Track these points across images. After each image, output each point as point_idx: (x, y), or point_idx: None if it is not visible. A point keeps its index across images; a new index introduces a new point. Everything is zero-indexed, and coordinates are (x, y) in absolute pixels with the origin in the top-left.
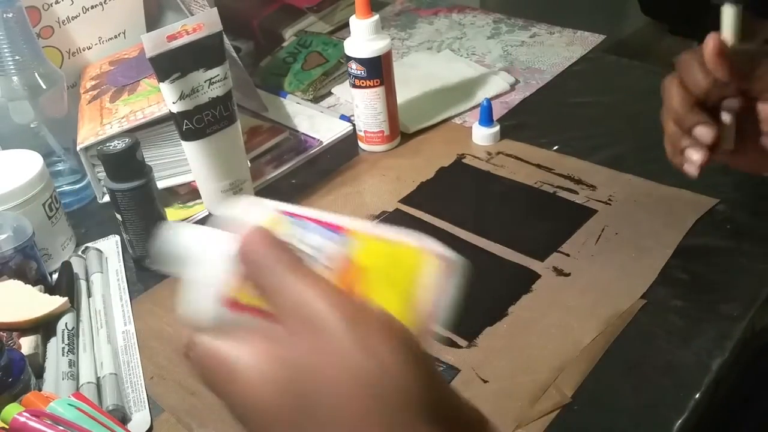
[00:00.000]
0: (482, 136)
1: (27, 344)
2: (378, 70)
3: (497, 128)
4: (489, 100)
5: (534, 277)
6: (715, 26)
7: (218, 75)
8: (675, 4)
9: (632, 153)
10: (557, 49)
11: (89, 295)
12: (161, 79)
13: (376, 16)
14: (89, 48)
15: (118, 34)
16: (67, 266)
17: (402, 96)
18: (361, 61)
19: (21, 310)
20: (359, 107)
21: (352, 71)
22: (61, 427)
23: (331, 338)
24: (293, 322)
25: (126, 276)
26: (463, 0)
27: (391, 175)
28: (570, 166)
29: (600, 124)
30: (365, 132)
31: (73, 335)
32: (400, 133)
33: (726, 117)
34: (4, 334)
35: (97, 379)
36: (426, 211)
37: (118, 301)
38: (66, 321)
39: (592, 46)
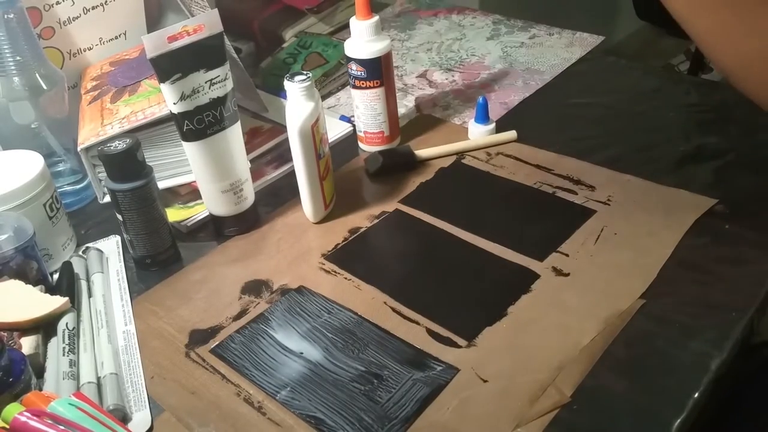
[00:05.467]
0: (478, 133)
1: (28, 344)
2: (378, 71)
3: (492, 125)
4: (485, 98)
5: (533, 277)
6: None
7: (219, 76)
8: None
9: (631, 153)
10: (556, 51)
11: (90, 295)
12: (162, 80)
13: (376, 18)
14: (90, 49)
15: (119, 35)
16: (67, 266)
17: None
18: (361, 62)
19: (22, 310)
20: (359, 108)
21: (353, 72)
22: (62, 427)
23: None
24: None
25: (126, 276)
26: (462, 1)
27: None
28: (569, 166)
29: (599, 125)
30: (365, 132)
31: (74, 335)
32: (400, 133)
33: None
34: (5, 333)
35: (98, 378)
36: (426, 212)
37: (119, 301)
38: (66, 321)
39: (591, 47)
